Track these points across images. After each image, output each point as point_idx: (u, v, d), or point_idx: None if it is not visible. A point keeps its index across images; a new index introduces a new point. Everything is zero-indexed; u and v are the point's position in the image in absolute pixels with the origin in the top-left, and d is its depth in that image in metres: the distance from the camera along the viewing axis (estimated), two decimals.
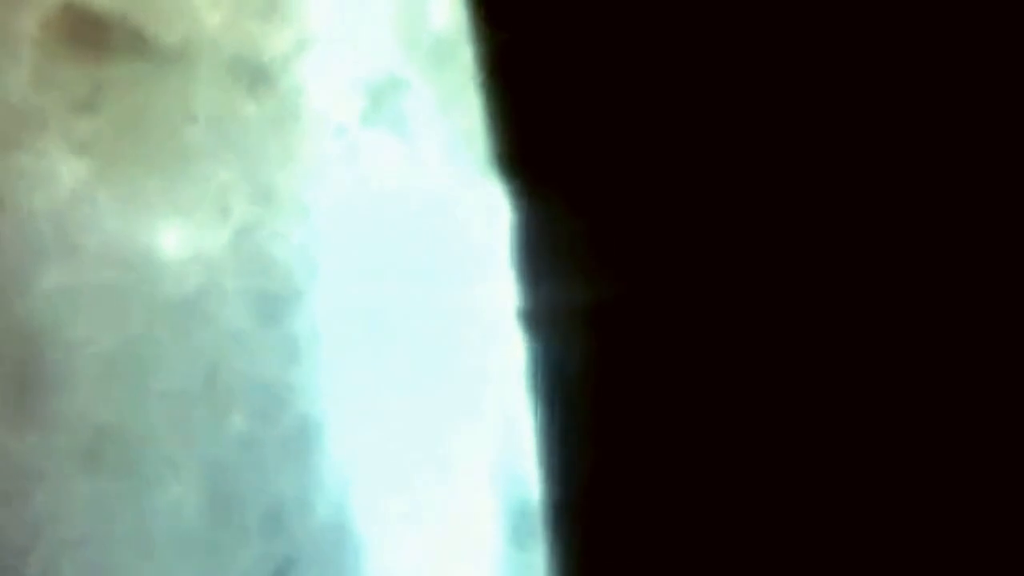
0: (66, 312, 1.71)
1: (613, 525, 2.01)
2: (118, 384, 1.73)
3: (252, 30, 1.90)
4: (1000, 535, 1.91)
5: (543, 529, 1.97)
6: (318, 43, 1.95)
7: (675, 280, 2.02)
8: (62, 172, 1.70)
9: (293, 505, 1.78)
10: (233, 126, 1.86)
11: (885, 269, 1.97)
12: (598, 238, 2.06)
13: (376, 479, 1.86)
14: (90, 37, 1.73)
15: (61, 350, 1.70)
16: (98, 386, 1.71)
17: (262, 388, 1.81)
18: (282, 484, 1.79)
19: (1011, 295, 1.92)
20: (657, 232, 2.04)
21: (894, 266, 1.97)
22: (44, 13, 1.71)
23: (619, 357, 2.03)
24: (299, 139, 1.92)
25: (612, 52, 2.08)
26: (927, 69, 1.96)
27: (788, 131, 2.00)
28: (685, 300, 2.02)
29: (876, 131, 1.97)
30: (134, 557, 1.69)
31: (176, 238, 1.79)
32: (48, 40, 1.69)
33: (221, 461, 1.76)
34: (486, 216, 2.08)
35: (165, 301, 1.77)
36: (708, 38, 2.03)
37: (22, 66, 1.68)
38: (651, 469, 2.01)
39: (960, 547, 1.93)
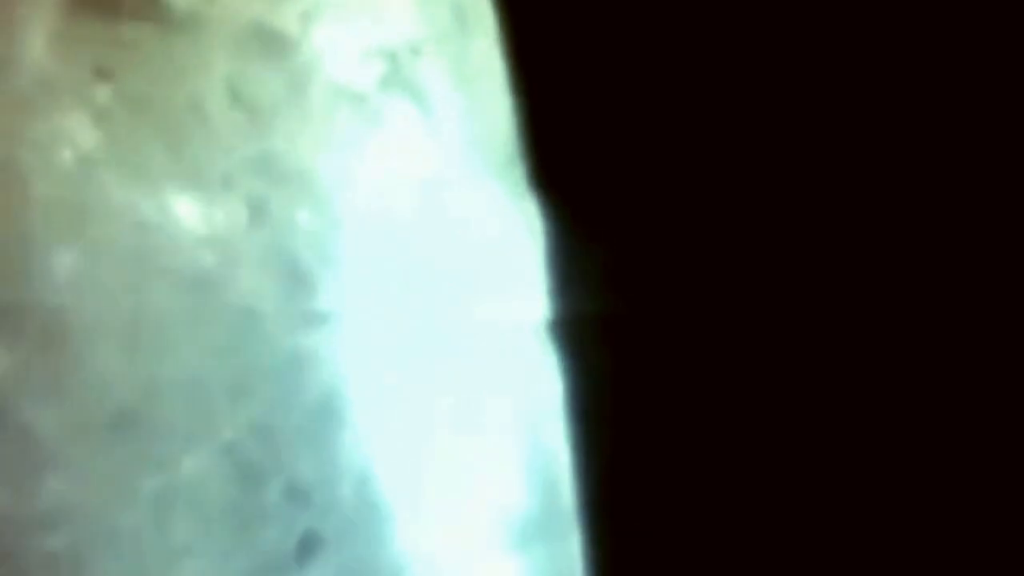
0: (83, 288, 1.67)
1: (640, 516, 2.03)
2: (137, 359, 1.69)
3: None
4: (1000, 535, 1.93)
5: (573, 519, 1.94)
6: (334, 8, 1.91)
7: (696, 293, 2.05)
8: (78, 140, 1.66)
9: (317, 480, 1.75)
10: (249, 95, 1.82)
11: (886, 279, 2.00)
12: (623, 251, 2.09)
13: (401, 455, 1.82)
14: (105, 1, 1.69)
15: (80, 326, 1.66)
16: (117, 361, 1.67)
17: (282, 364, 1.77)
18: (305, 459, 1.75)
19: (1011, 295, 1.94)
20: (680, 248, 2.07)
21: (895, 275, 1.99)
22: None
23: (645, 366, 2.06)
24: (316, 108, 1.88)
25: (633, 58, 2.09)
26: (927, 71, 1.97)
27: (802, 157, 2.03)
28: (708, 312, 2.05)
29: (879, 150, 2.00)
30: (158, 532, 1.65)
31: (192, 212, 1.74)
32: (64, 3, 1.65)
33: (242, 436, 1.71)
34: (506, 202, 2.04)
35: (183, 276, 1.73)
36: (732, 72, 2.05)
37: (39, 30, 1.63)
38: (677, 469, 2.04)
39: (962, 547, 1.95)
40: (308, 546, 1.71)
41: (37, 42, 1.65)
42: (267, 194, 1.80)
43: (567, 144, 2.07)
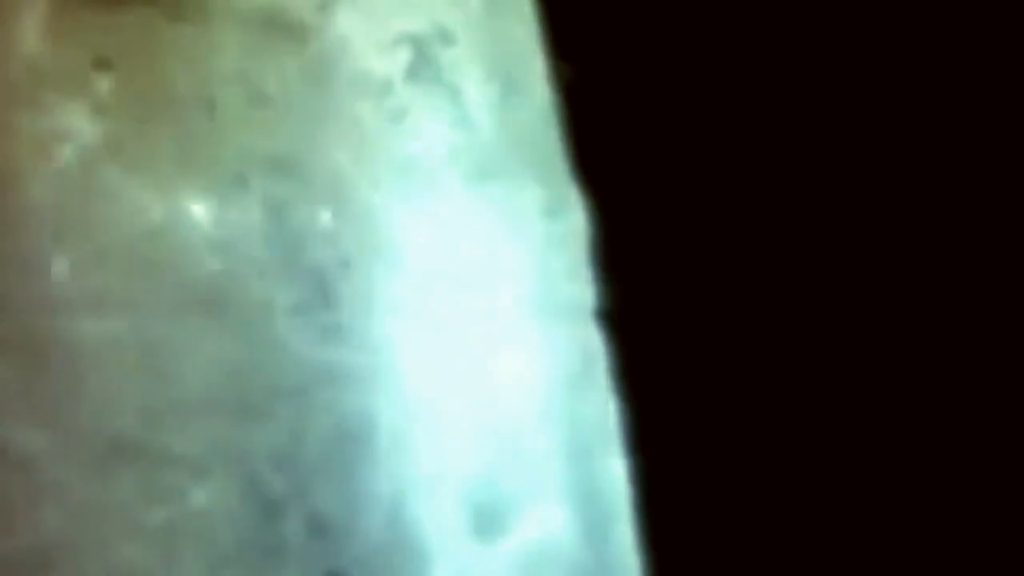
0: (82, 297, 1.51)
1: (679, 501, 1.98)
2: (142, 377, 1.53)
3: None
4: (1001, 535, 1.92)
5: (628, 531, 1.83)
6: None
7: (735, 286, 2.03)
8: (77, 135, 1.50)
9: (341, 513, 1.59)
10: (264, 87, 1.67)
11: (890, 274, 1.99)
12: (661, 244, 2.04)
13: (433, 486, 1.66)
14: None
15: (75, 339, 1.50)
16: (120, 379, 1.52)
17: (302, 383, 1.62)
18: (328, 489, 1.59)
19: (1011, 295, 1.92)
20: (719, 243, 2.04)
21: (897, 269, 1.99)
22: None
23: (682, 356, 2.02)
24: (337, 101, 1.73)
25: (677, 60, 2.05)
26: (927, 70, 1.96)
27: (817, 155, 2.02)
28: (746, 304, 2.03)
29: (882, 150, 1.99)
30: (164, 570, 1.49)
31: (203, 214, 1.59)
32: None
33: (257, 464, 1.56)
34: (543, 196, 1.90)
35: (193, 284, 1.58)
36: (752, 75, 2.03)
37: (31, 17, 1.48)
38: (713, 454, 2.01)
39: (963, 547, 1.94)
40: None
41: (29, 29, 1.50)
42: (285, 195, 1.65)
43: (608, 135, 1.99)
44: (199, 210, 1.58)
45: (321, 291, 1.65)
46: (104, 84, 1.52)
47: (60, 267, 1.50)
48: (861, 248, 2.00)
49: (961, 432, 1.95)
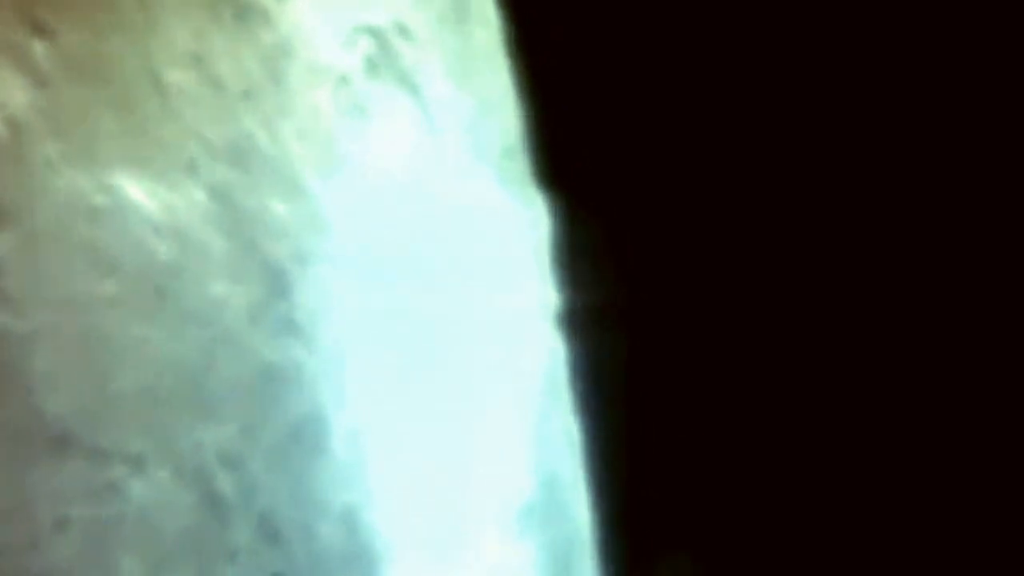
0: (15, 282, 1.39)
1: (648, 496, 1.98)
2: (79, 369, 1.41)
3: None
4: (1000, 535, 1.91)
5: (571, 506, 1.73)
6: None
7: (702, 282, 2.02)
8: (10, 106, 1.39)
9: (292, 515, 1.46)
10: (217, 70, 1.56)
11: (888, 273, 1.99)
12: (627, 240, 2.02)
13: (390, 483, 1.54)
14: None
15: (10, 328, 1.38)
16: (55, 370, 1.39)
17: (253, 378, 1.50)
18: (279, 491, 1.47)
19: (1011, 295, 1.92)
20: (685, 237, 2.03)
21: (897, 269, 1.99)
22: None
23: (649, 353, 2.01)
24: (294, 90, 1.63)
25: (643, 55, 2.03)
26: (927, 71, 1.96)
27: (806, 145, 2.02)
28: (712, 300, 2.02)
29: (880, 149, 1.99)
30: (97, 570, 1.36)
31: (148, 198, 1.48)
32: None
33: (205, 461, 1.44)
34: (505, 194, 1.81)
35: (136, 272, 1.46)
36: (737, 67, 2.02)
37: None
38: (683, 452, 2.00)
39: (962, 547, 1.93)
40: None
41: None
42: (235, 181, 1.54)
43: (572, 135, 2.01)
44: (144, 195, 1.47)
45: (275, 285, 1.54)
46: (41, 52, 1.41)
47: None
48: (844, 251, 2.00)
49: (962, 436, 1.94)
